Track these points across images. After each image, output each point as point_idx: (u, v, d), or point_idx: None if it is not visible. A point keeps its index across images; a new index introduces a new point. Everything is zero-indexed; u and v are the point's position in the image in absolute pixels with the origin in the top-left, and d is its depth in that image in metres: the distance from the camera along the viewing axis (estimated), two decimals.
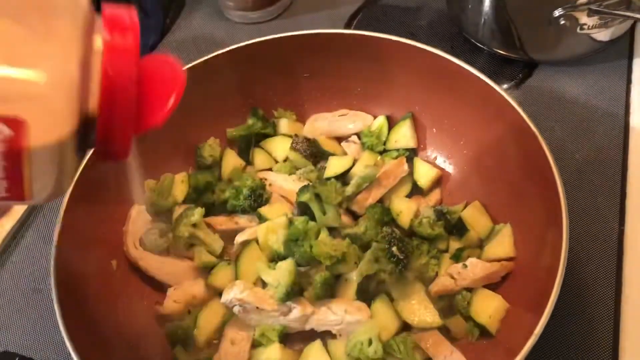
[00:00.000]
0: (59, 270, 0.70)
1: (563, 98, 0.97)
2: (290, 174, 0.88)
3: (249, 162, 0.92)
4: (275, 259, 0.77)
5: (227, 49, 0.86)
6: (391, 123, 0.90)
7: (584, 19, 0.90)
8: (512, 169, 0.77)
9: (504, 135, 0.77)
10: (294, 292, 0.72)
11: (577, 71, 1.00)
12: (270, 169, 0.90)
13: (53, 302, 0.67)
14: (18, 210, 0.97)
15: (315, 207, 0.79)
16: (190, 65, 0.85)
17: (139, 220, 0.82)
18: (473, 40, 1.05)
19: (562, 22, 0.90)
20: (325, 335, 0.74)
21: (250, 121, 0.92)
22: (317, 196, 0.79)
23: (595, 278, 0.79)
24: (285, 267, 0.72)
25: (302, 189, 0.80)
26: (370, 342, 0.70)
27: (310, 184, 0.83)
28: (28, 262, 0.91)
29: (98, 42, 0.40)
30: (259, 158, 0.91)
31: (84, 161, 0.77)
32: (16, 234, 0.94)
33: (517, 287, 0.73)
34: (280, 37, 0.87)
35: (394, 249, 0.71)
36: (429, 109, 0.87)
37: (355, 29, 1.14)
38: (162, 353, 0.75)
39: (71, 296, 0.70)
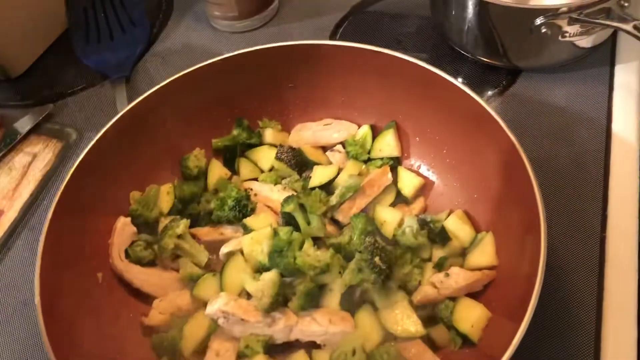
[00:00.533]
0: (44, 284, 0.70)
1: (546, 104, 0.98)
2: (275, 183, 0.89)
3: (234, 172, 0.92)
4: (260, 269, 0.77)
5: (211, 60, 0.87)
6: (375, 132, 0.90)
7: (565, 27, 0.91)
8: (492, 177, 0.78)
9: (484, 144, 0.78)
10: (278, 302, 0.73)
11: (560, 77, 1.01)
12: (255, 179, 0.91)
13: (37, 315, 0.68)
14: (5, 221, 0.97)
15: (299, 218, 0.80)
16: (175, 77, 0.86)
17: (124, 232, 0.82)
18: (457, 48, 1.06)
19: (544, 30, 0.91)
20: (310, 346, 0.74)
21: (235, 131, 0.92)
22: (302, 206, 0.80)
23: (578, 285, 0.79)
24: (270, 278, 0.73)
25: (287, 200, 0.81)
26: (354, 353, 0.70)
27: (295, 194, 0.83)
28: (15, 275, 0.91)
29: None
30: (245, 168, 0.92)
31: (70, 171, 0.78)
32: (3, 246, 0.94)
33: (498, 295, 0.73)
34: (265, 48, 0.88)
35: (376, 259, 0.72)
36: (411, 118, 0.88)
37: (340, 37, 1.14)
38: None
39: (56, 309, 0.70)
